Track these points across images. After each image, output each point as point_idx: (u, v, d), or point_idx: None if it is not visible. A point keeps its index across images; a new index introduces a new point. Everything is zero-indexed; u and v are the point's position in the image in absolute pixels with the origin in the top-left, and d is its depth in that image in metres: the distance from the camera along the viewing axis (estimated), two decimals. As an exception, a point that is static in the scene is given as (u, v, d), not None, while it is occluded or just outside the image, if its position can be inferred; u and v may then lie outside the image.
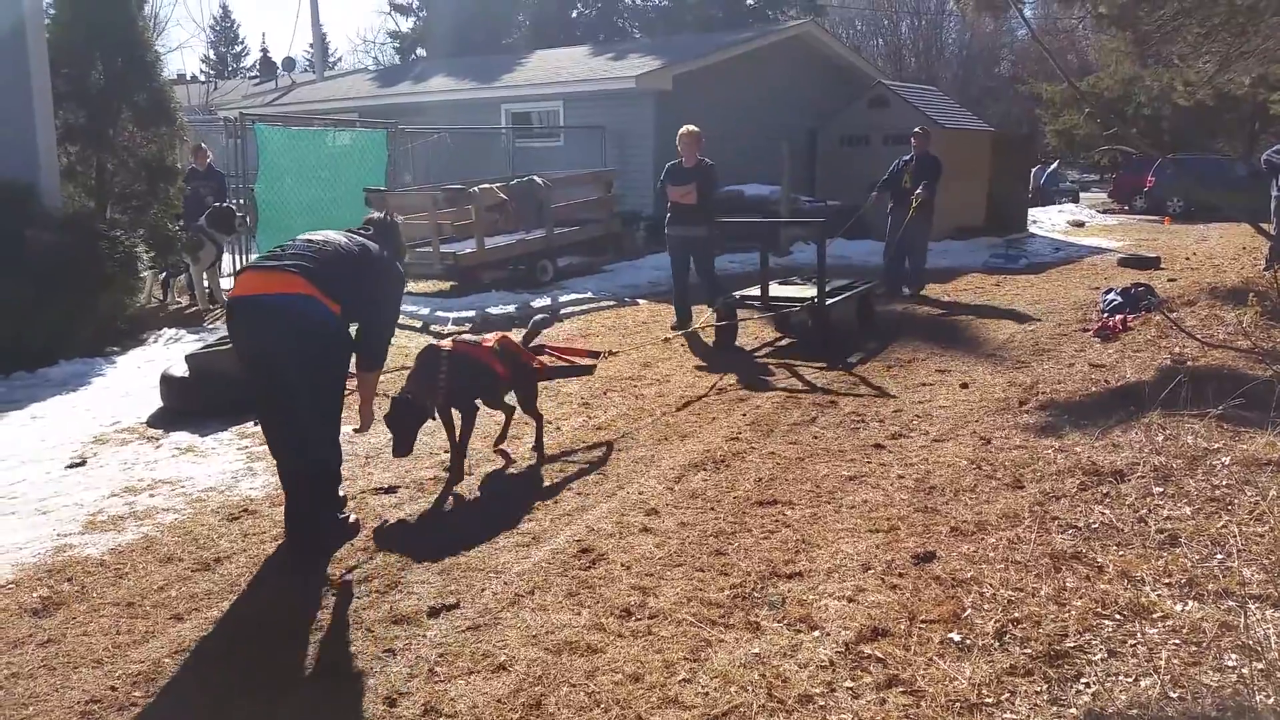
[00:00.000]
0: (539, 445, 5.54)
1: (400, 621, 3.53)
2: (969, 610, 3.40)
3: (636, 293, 11.86)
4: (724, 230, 10.53)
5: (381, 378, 5.05)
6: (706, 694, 2.99)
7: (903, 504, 4.54)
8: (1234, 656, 2.97)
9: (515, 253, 12.25)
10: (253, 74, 37.63)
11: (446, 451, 5.41)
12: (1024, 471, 4.85)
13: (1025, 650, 3.10)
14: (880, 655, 3.15)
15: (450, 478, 5.06)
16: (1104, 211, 26.43)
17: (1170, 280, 11.65)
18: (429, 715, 2.95)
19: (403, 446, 4.75)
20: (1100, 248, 16.35)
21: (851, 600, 3.56)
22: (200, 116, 19.03)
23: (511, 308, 10.66)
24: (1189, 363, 6.87)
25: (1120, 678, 2.93)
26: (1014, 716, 2.79)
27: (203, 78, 43.14)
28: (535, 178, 12.81)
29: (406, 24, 35.43)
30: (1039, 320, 9.41)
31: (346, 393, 4.33)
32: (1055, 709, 2.81)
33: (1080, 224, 22.01)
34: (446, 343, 5.09)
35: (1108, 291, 9.70)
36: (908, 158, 11.13)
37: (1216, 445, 4.85)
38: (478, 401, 5.24)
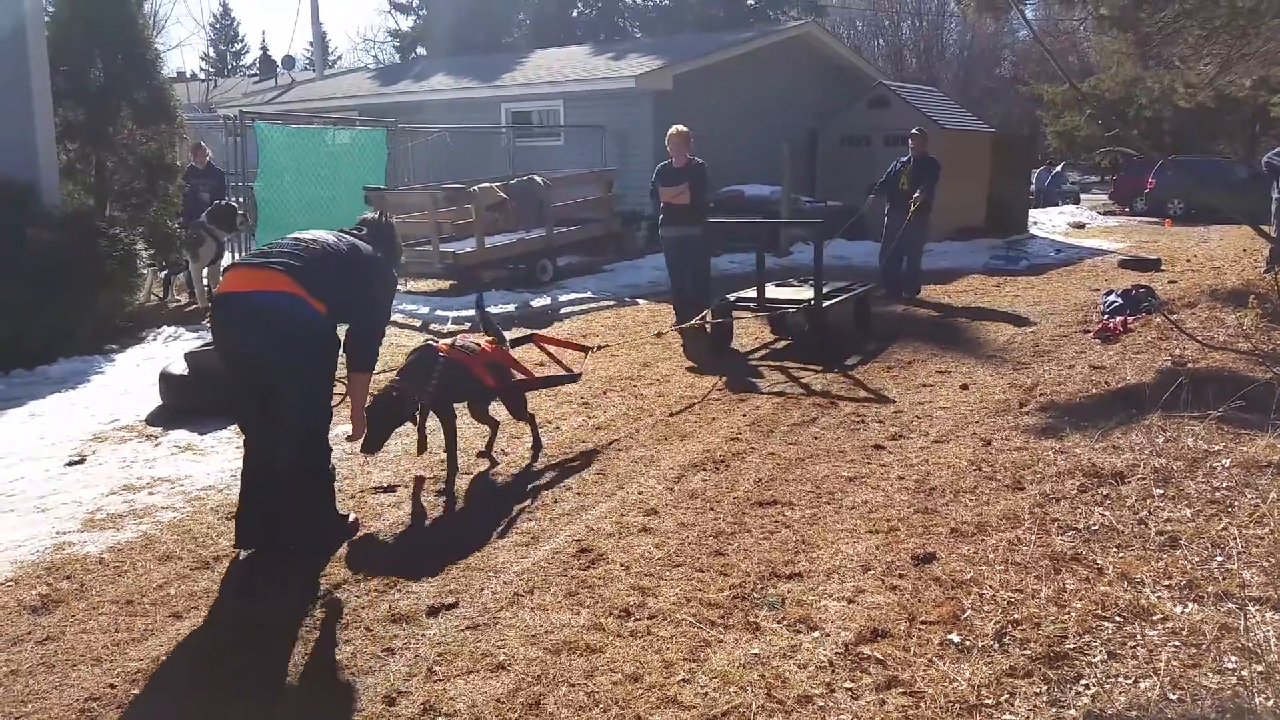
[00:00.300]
0: (536, 445, 5.55)
1: (399, 620, 3.53)
2: (969, 611, 3.39)
3: (636, 292, 11.85)
4: (720, 230, 10.51)
5: (381, 378, 5.05)
6: (706, 694, 2.98)
7: (903, 505, 4.54)
8: (1234, 659, 2.96)
9: (515, 252, 12.25)
10: (252, 72, 37.62)
11: (439, 453, 5.42)
12: (1024, 473, 4.85)
13: (1025, 652, 3.10)
14: (880, 656, 3.14)
15: (447, 478, 5.04)
16: (1104, 213, 26.43)
17: (1171, 282, 11.66)
18: (428, 714, 2.95)
19: (374, 444, 4.61)
20: (1101, 249, 16.35)
21: (851, 601, 3.55)
22: (200, 114, 19.05)
23: (511, 307, 10.65)
24: (1189, 365, 6.87)
25: (1120, 679, 2.93)
26: (1013, 718, 2.78)
27: (202, 76, 43.14)
28: (535, 177, 12.81)
29: (407, 22, 35.43)
30: (1039, 322, 9.40)
31: (336, 395, 4.27)
32: (1055, 710, 2.80)
33: (1081, 225, 22.02)
34: (443, 345, 5.05)
35: (1108, 293, 9.70)
36: (905, 159, 11.06)
37: (1217, 447, 4.85)
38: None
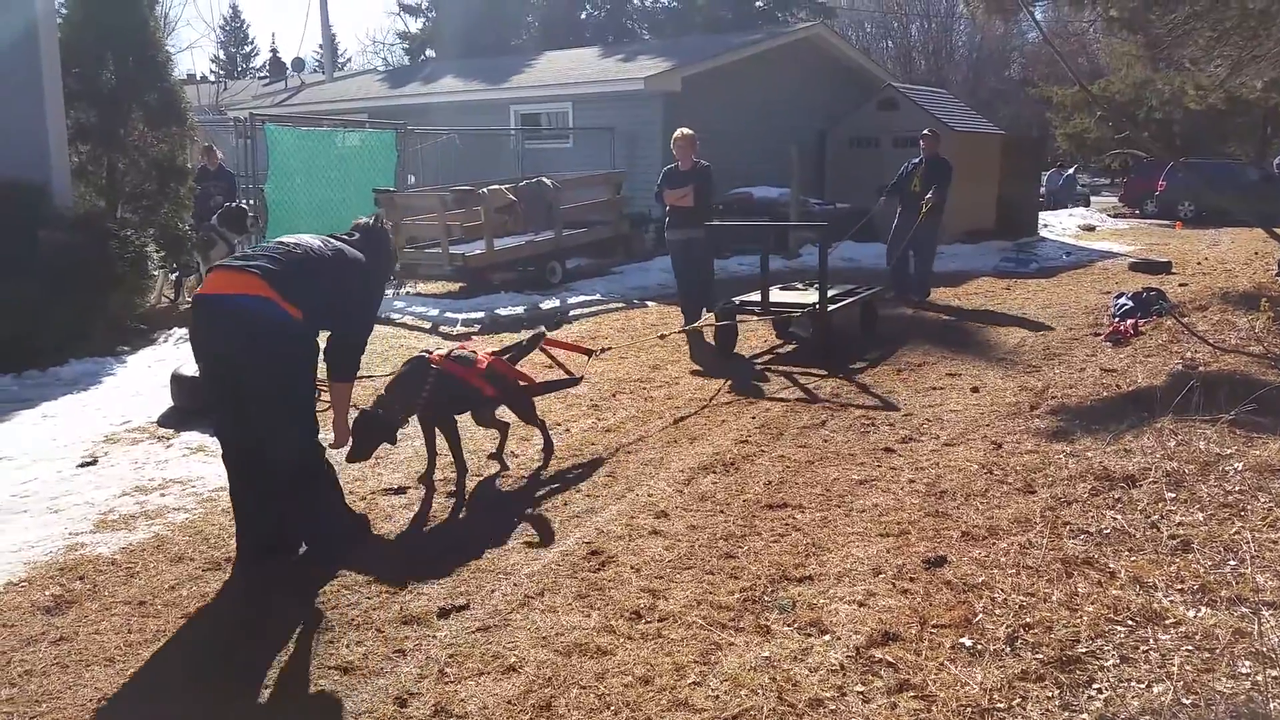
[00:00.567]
0: (548, 451, 5.52)
1: (410, 622, 3.54)
2: (980, 615, 3.39)
3: (645, 295, 11.86)
4: (725, 233, 10.43)
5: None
6: (717, 697, 2.98)
7: (913, 508, 4.53)
8: (1248, 664, 2.95)
9: (524, 254, 12.25)
10: (262, 74, 37.76)
11: (449, 455, 5.43)
12: (1035, 476, 4.84)
13: (1037, 655, 3.09)
14: (891, 660, 3.14)
15: (458, 485, 5.02)
16: (1115, 216, 26.34)
17: (1182, 285, 11.61)
18: (439, 716, 2.95)
19: (359, 454, 4.57)
20: (1111, 252, 16.30)
21: (862, 604, 3.55)
22: (210, 116, 19.12)
23: (520, 309, 10.67)
24: (1201, 368, 6.84)
25: (1133, 684, 2.92)
26: (1026, 722, 2.78)
27: (212, 78, 43.27)
28: (544, 179, 12.82)
29: (416, 25, 35.52)
30: (1050, 325, 9.37)
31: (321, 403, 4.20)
32: (1067, 715, 2.80)
33: (1091, 228, 21.94)
34: (437, 356, 4.99)
35: (1119, 296, 9.67)
36: (917, 160, 10.99)
37: (1229, 451, 4.83)
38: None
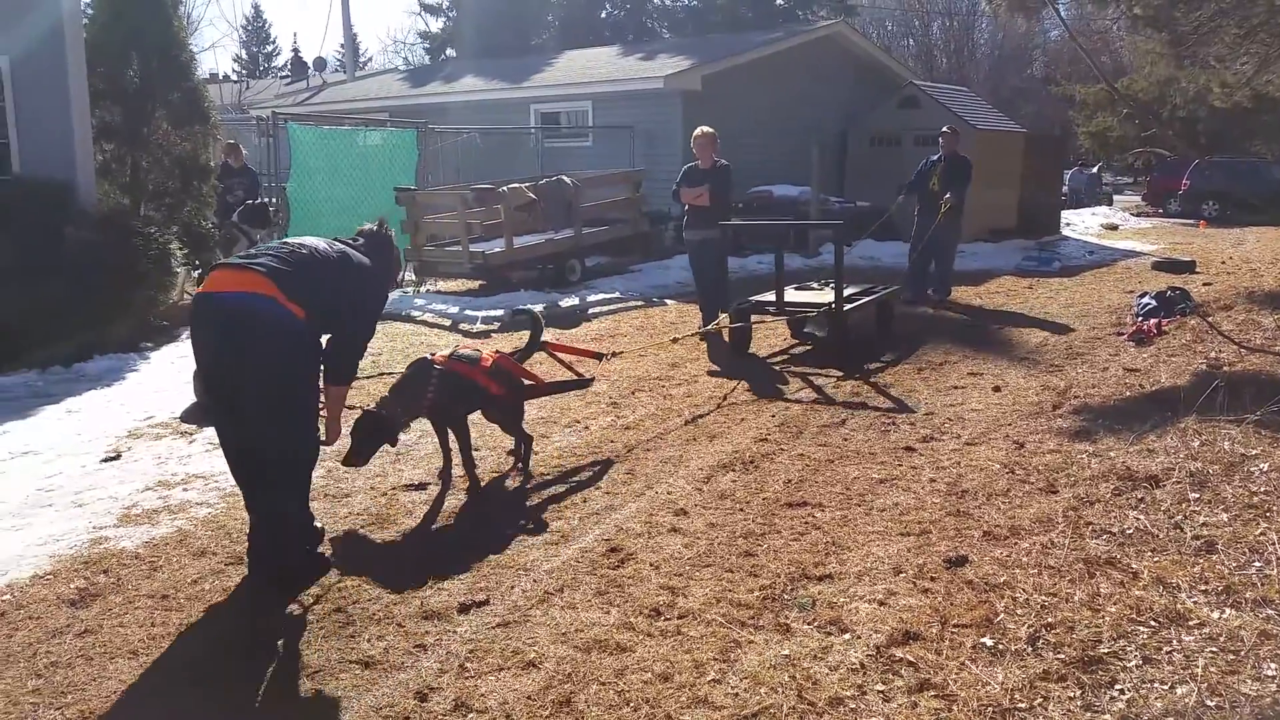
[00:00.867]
0: (525, 462, 5.25)
1: (431, 617, 3.55)
2: (1001, 615, 3.37)
3: (664, 293, 11.85)
4: (739, 232, 10.34)
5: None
6: (736, 695, 2.98)
7: (934, 507, 4.51)
8: (1273, 666, 2.93)
9: (544, 252, 12.27)
10: (284, 74, 37.93)
11: (475, 450, 5.44)
12: (1058, 476, 4.81)
13: (1059, 656, 3.07)
14: (911, 659, 3.12)
15: (470, 485, 4.96)
16: (1137, 214, 26.13)
17: (1206, 284, 11.50)
18: (459, 710, 2.96)
19: (357, 457, 4.50)
20: (1134, 251, 16.16)
21: (882, 603, 3.53)
22: (233, 115, 19.23)
23: (540, 307, 10.66)
24: (1225, 368, 6.78)
25: (1156, 685, 2.89)
26: (1048, 722, 2.76)
27: (235, 77, 43.56)
28: (564, 177, 12.84)
29: (436, 24, 35.61)
30: (1072, 324, 9.30)
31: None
32: (1089, 715, 2.78)
33: (1114, 227, 21.77)
34: (440, 357, 4.92)
35: (1142, 295, 9.59)
36: (935, 158, 10.87)
37: (1254, 451, 4.78)
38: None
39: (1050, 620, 3.29)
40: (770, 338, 8.78)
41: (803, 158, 15.42)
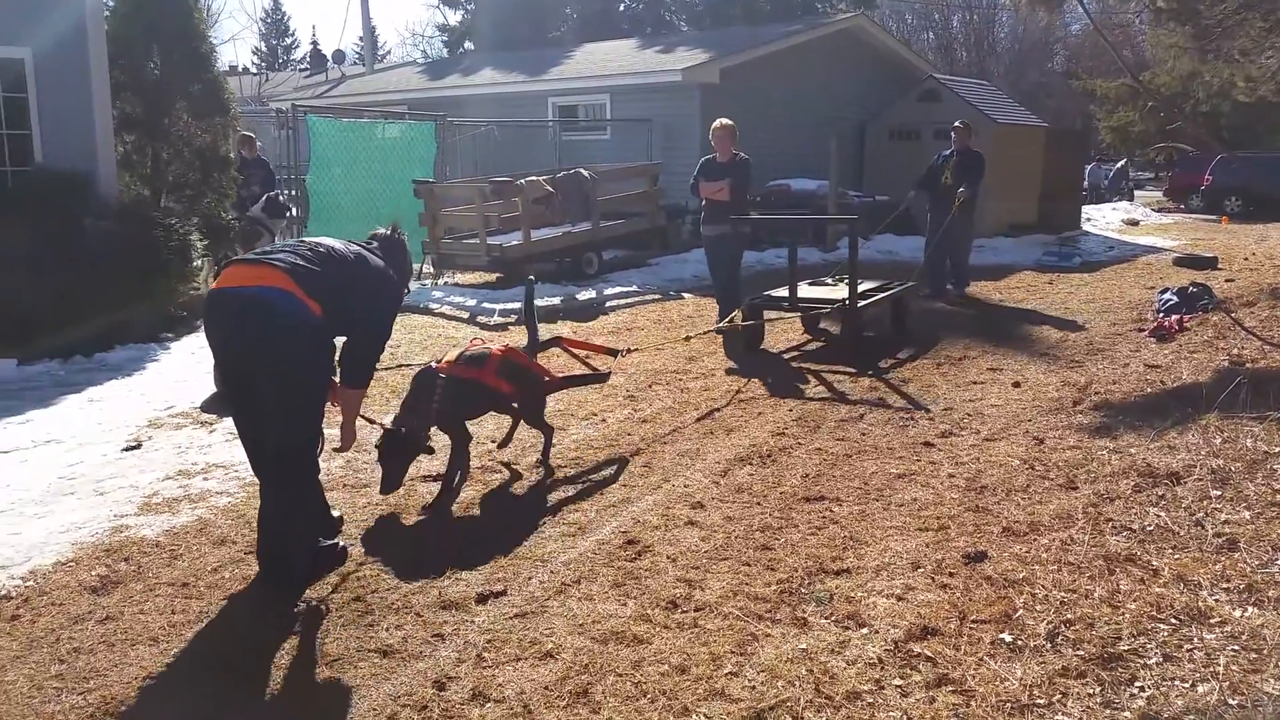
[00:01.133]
0: (545, 456, 5.24)
1: (449, 607, 3.57)
2: (1020, 611, 3.35)
3: (682, 286, 11.84)
4: (757, 226, 10.26)
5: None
6: (753, 688, 2.98)
7: (953, 503, 4.49)
8: (1296, 664, 2.90)
9: (561, 245, 12.28)
10: (303, 66, 38.11)
11: (493, 441, 5.46)
12: (1078, 472, 4.77)
13: (1078, 652, 3.05)
14: (930, 654, 3.11)
15: (445, 497, 4.74)
16: (1159, 210, 25.92)
17: (1228, 281, 11.40)
18: (477, 700, 2.97)
19: (391, 483, 4.48)
20: (1155, 247, 16.04)
21: (900, 598, 3.52)
22: (252, 107, 19.33)
23: (557, 300, 10.69)
24: (1248, 364, 6.71)
25: (1176, 682, 2.87)
26: (1066, 718, 2.75)
27: (254, 69, 43.77)
28: (581, 170, 12.83)
29: (455, 17, 35.61)
30: (1093, 320, 9.24)
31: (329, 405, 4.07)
32: (1109, 712, 2.76)
33: (1134, 222, 21.60)
34: (444, 363, 4.78)
35: (1163, 291, 9.51)
36: (948, 152, 10.79)
37: (1277, 449, 4.73)
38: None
39: (1070, 617, 3.27)
40: (789, 333, 8.75)
41: (821, 151, 15.36)
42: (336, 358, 3.96)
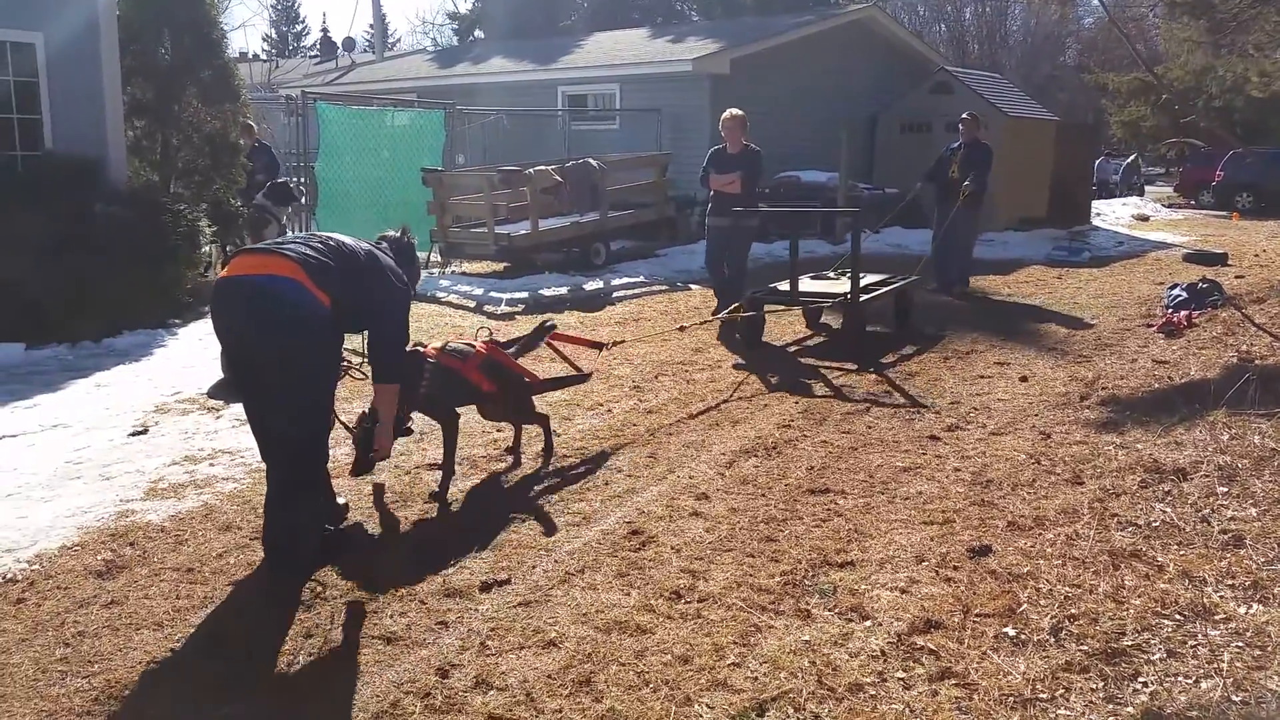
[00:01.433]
0: (547, 447, 5.24)
1: (453, 595, 3.57)
2: (1024, 605, 3.34)
3: (689, 277, 11.82)
4: (764, 218, 10.18)
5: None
6: (755, 678, 2.98)
7: (958, 497, 4.49)
8: (1301, 662, 2.89)
9: (569, 235, 12.26)
10: (313, 53, 38.11)
11: (500, 430, 5.47)
12: (1084, 467, 4.76)
13: (1082, 647, 3.05)
14: (933, 647, 3.11)
15: (440, 483, 4.70)
16: (1169, 205, 25.80)
17: (1238, 277, 11.34)
18: (480, 688, 2.98)
19: (363, 467, 4.24)
20: (1165, 242, 15.97)
21: (904, 591, 3.52)
22: (262, 94, 19.33)
23: (564, 290, 10.68)
24: (1257, 361, 6.68)
25: (1180, 678, 2.87)
26: (1069, 713, 2.74)
27: (264, 56, 43.76)
28: (590, 160, 12.81)
29: (465, 5, 35.65)
30: (1101, 315, 9.21)
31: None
32: (1112, 707, 2.76)
33: (1145, 218, 21.50)
34: (432, 349, 4.74)
35: (1173, 287, 9.47)
36: (955, 145, 10.72)
37: (1285, 446, 4.71)
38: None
39: (1073, 611, 3.27)
40: (794, 326, 8.73)
41: (832, 143, 15.30)
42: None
